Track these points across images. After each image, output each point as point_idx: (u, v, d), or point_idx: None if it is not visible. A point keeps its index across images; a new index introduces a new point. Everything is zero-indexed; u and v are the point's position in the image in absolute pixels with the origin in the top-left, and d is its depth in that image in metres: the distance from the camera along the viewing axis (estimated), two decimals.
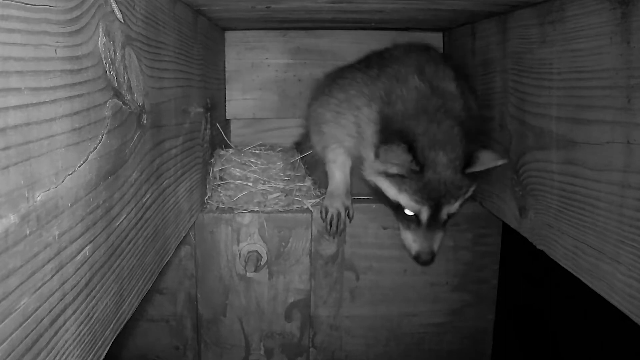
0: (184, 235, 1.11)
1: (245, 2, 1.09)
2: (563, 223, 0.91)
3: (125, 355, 1.42)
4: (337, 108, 1.23)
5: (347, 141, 1.22)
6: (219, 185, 1.34)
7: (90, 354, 0.60)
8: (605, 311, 0.83)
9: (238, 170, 1.34)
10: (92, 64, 0.57)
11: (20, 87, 0.43)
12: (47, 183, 0.48)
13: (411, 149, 1.02)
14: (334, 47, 1.65)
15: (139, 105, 0.73)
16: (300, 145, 1.54)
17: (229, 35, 1.66)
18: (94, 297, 0.60)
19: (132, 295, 0.74)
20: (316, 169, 1.44)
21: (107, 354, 0.65)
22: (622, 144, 0.74)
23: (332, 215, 1.32)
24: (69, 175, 0.52)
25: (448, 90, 1.11)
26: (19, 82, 0.43)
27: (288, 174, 1.38)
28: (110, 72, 0.62)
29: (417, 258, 1.14)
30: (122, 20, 0.66)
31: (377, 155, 1.06)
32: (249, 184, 1.34)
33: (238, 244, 1.34)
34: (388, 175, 1.09)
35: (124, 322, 0.72)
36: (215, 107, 1.43)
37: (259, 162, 1.37)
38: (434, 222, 1.10)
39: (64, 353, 0.53)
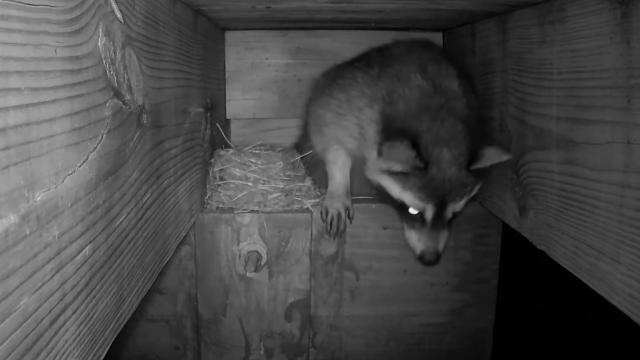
0: (184, 235, 1.11)
1: (245, 2, 1.09)
2: (563, 223, 0.91)
3: (125, 355, 1.42)
4: (338, 109, 1.22)
5: (349, 142, 1.21)
6: (219, 185, 1.34)
7: (90, 354, 0.60)
8: (605, 311, 0.83)
9: (238, 170, 1.35)
10: (92, 64, 0.57)
11: (20, 87, 0.43)
12: (47, 183, 0.48)
13: (415, 145, 1.01)
14: (334, 47, 1.65)
15: (139, 105, 0.73)
16: (300, 145, 1.53)
17: (229, 35, 1.66)
18: (94, 297, 0.60)
19: (132, 295, 0.74)
20: (316, 169, 1.43)
21: (107, 354, 0.65)
22: (622, 144, 0.74)
23: (333, 216, 1.31)
24: (69, 175, 0.52)
25: (451, 89, 1.10)
26: (19, 82, 0.43)
27: (288, 174, 1.38)
28: (110, 72, 0.62)
29: (421, 258, 1.12)
30: (122, 20, 0.66)
31: (380, 153, 1.05)
32: (249, 184, 1.34)
33: (238, 244, 1.34)
34: (392, 174, 1.07)
35: (124, 322, 0.72)
36: (215, 107, 1.43)
37: (259, 162, 1.37)
38: (439, 221, 1.08)
39: (64, 353, 0.53)
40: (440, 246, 1.11)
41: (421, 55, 1.17)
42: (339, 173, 1.34)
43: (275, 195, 1.34)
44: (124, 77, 0.67)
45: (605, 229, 0.79)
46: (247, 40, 1.66)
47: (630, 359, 1.12)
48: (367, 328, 1.43)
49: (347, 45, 1.63)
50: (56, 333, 0.51)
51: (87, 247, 0.57)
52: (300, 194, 1.38)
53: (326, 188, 1.37)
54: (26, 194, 0.44)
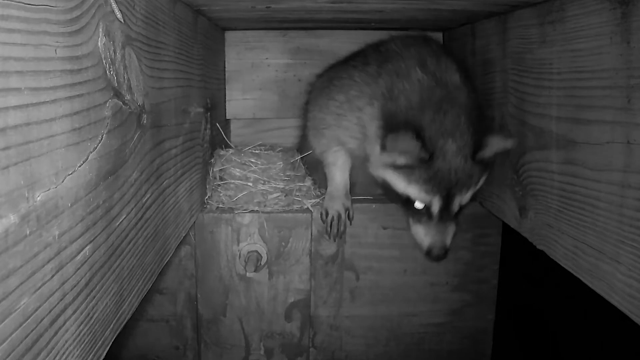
0: (184, 235, 1.11)
1: (245, 2, 1.09)
2: (563, 223, 0.91)
3: (125, 355, 1.42)
4: (338, 110, 1.21)
5: (351, 143, 1.21)
6: (219, 185, 1.34)
7: (90, 354, 0.60)
8: (605, 311, 0.83)
9: (238, 170, 1.35)
10: (92, 64, 0.57)
11: (20, 87, 0.43)
12: (47, 183, 0.48)
13: (419, 137, 0.99)
14: (334, 47, 1.65)
15: (139, 105, 0.73)
16: (300, 146, 1.53)
17: (229, 35, 1.66)
18: (94, 297, 0.60)
19: (132, 295, 0.74)
20: (316, 170, 1.43)
21: (107, 354, 0.65)
22: (622, 144, 0.74)
23: (333, 217, 1.31)
24: (69, 175, 0.52)
25: (452, 81, 1.09)
26: (19, 82, 0.43)
27: (288, 174, 1.38)
28: (110, 72, 0.62)
29: (429, 253, 1.08)
30: (122, 20, 0.66)
31: (384, 147, 1.03)
32: (249, 184, 1.34)
33: (238, 244, 1.34)
34: (396, 168, 1.05)
35: (124, 322, 0.72)
36: (215, 107, 1.43)
37: (259, 162, 1.37)
38: (446, 214, 1.06)
39: (64, 353, 0.53)
40: (448, 240, 1.08)
41: (420, 50, 1.16)
42: (338, 174, 1.34)
43: (275, 195, 1.34)
44: (124, 77, 0.67)
45: (605, 229, 0.79)
46: (247, 40, 1.66)
47: (630, 359, 1.12)
48: (367, 328, 1.43)
49: (347, 45, 1.63)
50: (56, 333, 0.51)
51: (87, 247, 0.57)
52: (300, 194, 1.38)
53: (326, 188, 1.37)
54: (26, 194, 0.44)
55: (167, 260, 0.95)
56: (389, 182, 1.08)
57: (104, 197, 0.62)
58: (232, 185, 1.34)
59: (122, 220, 0.68)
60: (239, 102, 1.69)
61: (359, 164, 1.29)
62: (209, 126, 1.31)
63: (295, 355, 1.44)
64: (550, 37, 0.94)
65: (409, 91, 1.07)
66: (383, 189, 1.14)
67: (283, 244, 1.35)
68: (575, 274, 0.88)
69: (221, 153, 1.38)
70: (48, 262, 0.49)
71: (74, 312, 0.55)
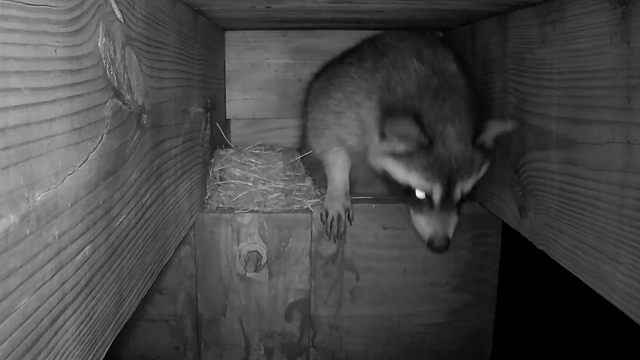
0: (184, 235, 1.11)
1: (245, 2, 1.09)
2: (563, 223, 0.91)
3: (125, 355, 1.42)
4: (337, 108, 1.21)
5: (351, 140, 1.20)
6: (219, 185, 1.34)
7: (90, 354, 0.60)
8: (605, 311, 0.83)
9: (238, 170, 1.34)
10: (92, 64, 0.57)
11: (20, 87, 0.43)
12: (47, 183, 0.48)
13: (418, 122, 0.98)
14: (334, 47, 1.64)
15: (139, 105, 0.73)
16: (300, 146, 1.53)
17: (229, 35, 1.66)
18: (94, 297, 0.60)
19: (132, 295, 0.74)
20: (316, 170, 1.43)
21: (107, 354, 0.65)
22: (622, 144, 0.74)
23: (333, 218, 1.31)
24: (69, 175, 0.52)
25: (449, 70, 1.08)
26: (19, 82, 0.43)
27: (288, 174, 1.38)
28: (110, 72, 0.62)
29: (430, 244, 1.06)
30: (122, 20, 0.66)
31: (382, 135, 1.02)
32: (249, 184, 1.34)
33: (238, 244, 1.34)
34: (396, 156, 1.03)
35: (124, 322, 0.72)
36: (215, 107, 1.43)
37: (259, 162, 1.37)
38: (448, 203, 1.03)
39: (64, 353, 0.53)
40: (450, 231, 1.06)
41: (415, 42, 1.15)
42: (338, 174, 1.34)
43: (275, 195, 1.34)
44: (124, 77, 0.67)
45: (605, 229, 0.79)
46: (247, 40, 1.66)
47: (630, 359, 1.12)
48: (367, 328, 1.43)
49: (347, 45, 1.62)
50: (56, 333, 0.51)
51: (87, 247, 0.57)
52: (300, 194, 1.38)
53: (326, 188, 1.37)
54: (26, 194, 0.44)
55: (167, 260, 0.95)
56: (388, 171, 1.06)
57: (104, 197, 0.62)
58: (232, 185, 1.34)
59: (122, 220, 0.68)
60: (239, 102, 1.69)
61: (359, 162, 1.29)
62: (209, 126, 1.31)
63: (295, 355, 1.44)
64: (550, 37, 0.94)
65: (406, 82, 1.06)
66: (383, 180, 1.12)
67: (283, 244, 1.35)
68: (575, 274, 0.88)
69: (221, 153, 1.38)
70: (48, 262, 0.49)
71: (74, 312, 0.55)
